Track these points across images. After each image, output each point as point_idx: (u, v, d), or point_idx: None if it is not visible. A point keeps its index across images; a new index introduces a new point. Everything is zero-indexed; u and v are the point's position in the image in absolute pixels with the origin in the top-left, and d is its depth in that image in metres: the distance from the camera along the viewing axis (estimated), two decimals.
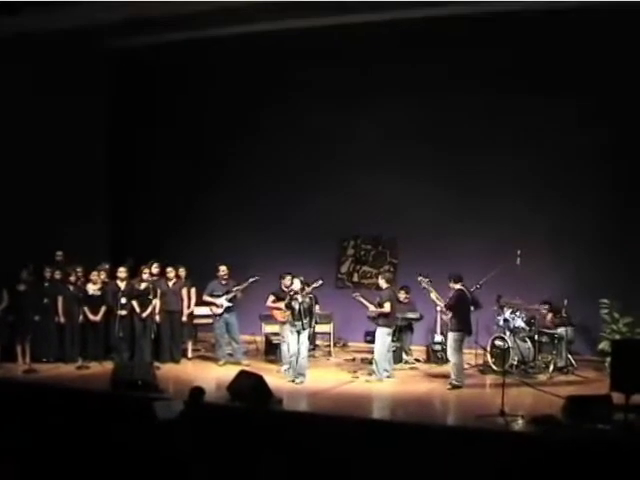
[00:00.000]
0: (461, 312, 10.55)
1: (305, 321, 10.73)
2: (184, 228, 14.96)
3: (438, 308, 11.82)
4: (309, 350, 11.69)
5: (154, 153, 15.38)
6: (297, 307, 10.76)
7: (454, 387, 10.41)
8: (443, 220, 13.28)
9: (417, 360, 12.44)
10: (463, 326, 10.54)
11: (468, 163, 13.28)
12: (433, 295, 10.87)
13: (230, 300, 12.03)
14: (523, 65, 12.56)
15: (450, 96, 13.19)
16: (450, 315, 10.62)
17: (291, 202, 14.37)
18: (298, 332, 10.80)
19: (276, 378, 10.69)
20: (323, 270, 13.31)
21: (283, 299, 11.19)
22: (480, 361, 11.67)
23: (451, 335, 10.60)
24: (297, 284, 10.86)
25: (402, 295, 12.39)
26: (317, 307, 11.77)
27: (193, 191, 15.13)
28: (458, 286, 10.64)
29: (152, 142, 15.37)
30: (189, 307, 12.47)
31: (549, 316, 11.72)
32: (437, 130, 13.44)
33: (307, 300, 10.79)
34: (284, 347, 11.39)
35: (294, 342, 10.81)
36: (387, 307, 10.90)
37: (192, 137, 15.13)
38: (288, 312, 10.93)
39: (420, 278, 10.92)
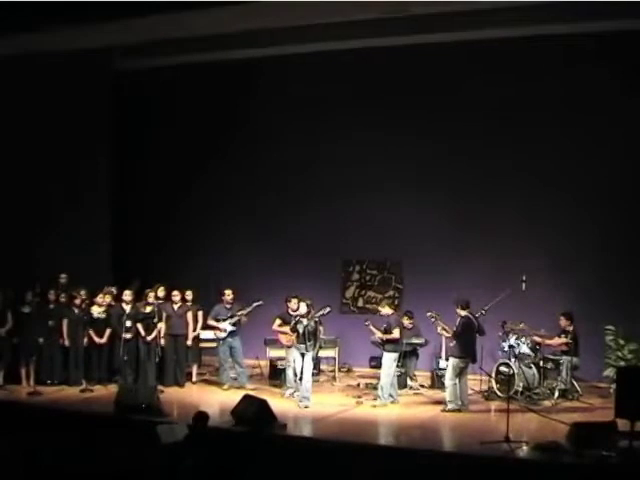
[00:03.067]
0: (466, 339, 10.57)
1: (309, 343, 10.75)
2: (191, 252, 14.96)
3: (445, 334, 11.87)
4: (314, 375, 11.67)
5: (159, 175, 15.44)
6: (302, 330, 10.78)
7: (449, 411, 10.41)
8: (448, 244, 13.29)
9: (422, 386, 12.35)
10: (466, 353, 10.54)
11: (473, 187, 13.33)
12: (440, 328, 10.96)
13: (234, 324, 12.05)
14: (527, 87, 12.69)
15: (451, 118, 13.32)
16: (454, 341, 10.64)
17: (296, 226, 14.38)
18: (302, 354, 10.81)
19: (280, 402, 10.67)
20: (328, 295, 13.43)
21: (289, 323, 11.23)
22: (485, 387, 11.65)
23: (452, 360, 10.62)
24: (303, 308, 10.91)
25: (406, 321, 12.39)
26: (321, 329, 11.76)
27: (199, 216, 15.14)
28: (464, 313, 10.67)
29: (155, 164, 15.43)
30: (195, 330, 12.48)
31: (563, 322, 11.28)
32: (442, 153, 13.50)
33: (312, 324, 10.82)
34: (289, 371, 11.40)
35: (299, 363, 10.82)
36: (396, 333, 10.91)
37: (193, 157, 15.10)
38: (293, 335, 10.95)
39: (429, 314, 11.04)
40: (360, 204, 13.94)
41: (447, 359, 12.08)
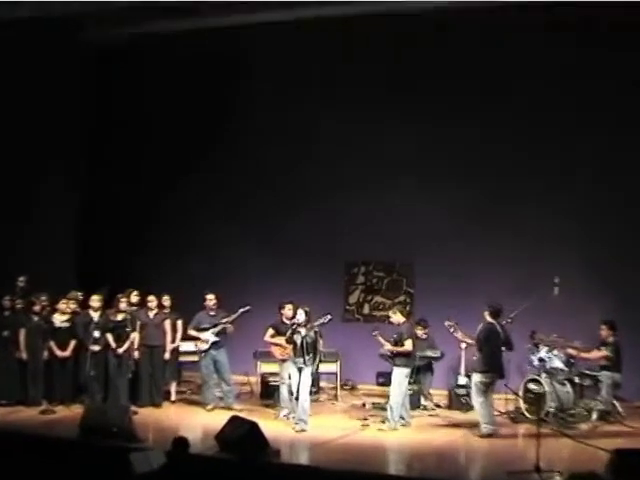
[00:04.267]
0: (490, 350, 10.49)
1: (308, 357, 10.71)
2: (168, 251, 15.06)
3: (463, 345, 11.78)
4: (312, 393, 11.64)
5: (135, 168, 15.50)
6: (299, 341, 10.74)
7: (484, 436, 10.32)
8: (467, 243, 13.34)
9: (437, 406, 12.37)
10: (490, 366, 10.47)
11: (494, 180, 13.40)
12: (460, 335, 11.00)
13: (217, 334, 12.01)
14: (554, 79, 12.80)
15: (473, 107, 13.40)
16: (477, 354, 10.56)
17: (292, 221, 14.47)
18: (299, 369, 10.77)
19: (273, 425, 10.63)
20: (328, 300, 13.51)
21: (283, 333, 11.18)
22: (511, 407, 11.61)
23: (476, 376, 10.54)
24: (301, 315, 10.84)
25: (419, 330, 12.38)
26: (321, 342, 11.72)
27: (178, 208, 15.23)
28: (489, 319, 10.59)
29: (131, 157, 15.49)
30: (173, 342, 12.48)
31: (604, 332, 11.17)
32: (457, 143, 13.57)
33: (311, 334, 10.77)
34: (283, 389, 11.36)
35: (295, 380, 10.80)
36: (408, 345, 10.87)
37: (175, 150, 15.22)
38: (289, 347, 10.93)
39: (448, 323, 11.06)
40: (365, 199, 14.02)
41: (467, 374, 12.12)
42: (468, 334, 10.88)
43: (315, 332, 10.83)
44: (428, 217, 13.56)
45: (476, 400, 10.51)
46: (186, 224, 15.12)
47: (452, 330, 11.06)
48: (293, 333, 10.84)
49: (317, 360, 11.08)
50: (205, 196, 15.10)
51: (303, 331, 10.75)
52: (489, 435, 10.34)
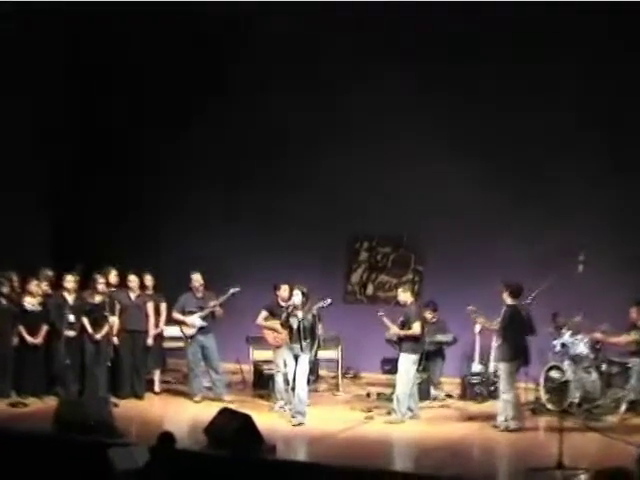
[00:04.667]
0: (514, 334, 10.45)
1: (305, 343, 10.69)
2: (151, 226, 15.09)
3: (477, 329, 11.79)
4: (310, 383, 11.65)
5: (116, 135, 15.46)
6: (296, 325, 10.72)
7: (509, 430, 10.33)
8: (483, 216, 13.37)
9: (449, 396, 12.42)
10: (517, 353, 10.44)
11: (513, 146, 13.35)
12: (482, 321, 11.03)
13: (205, 318, 12.03)
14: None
15: (491, 58, 13.37)
16: (500, 340, 10.52)
17: (287, 191, 14.47)
18: (296, 357, 10.76)
19: (268, 418, 10.66)
20: (328, 280, 13.60)
21: (278, 316, 11.16)
22: (531, 398, 11.62)
23: (503, 366, 10.52)
24: (298, 297, 10.80)
25: (429, 313, 12.40)
26: (320, 326, 11.72)
27: (162, 180, 15.23)
28: (510, 301, 10.56)
29: (111, 121, 15.45)
30: (157, 326, 12.49)
31: (634, 314, 11.05)
32: (477, 103, 13.53)
33: (309, 317, 10.75)
34: (278, 378, 11.38)
35: (292, 368, 10.80)
36: (416, 328, 10.86)
37: (159, 116, 15.16)
38: (284, 332, 10.91)
39: (470, 308, 11.07)
40: (367, 166, 14.02)
41: (482, 361, 12.18)
42: (490, 320, 10.78)
43: (313, 315, 10.82)
44: (440, 186, 13.54)
45: (505, 392, 10.44)
46: (171, 197, 15.14)
47: (474, 317, 11.05)
48: (289, 316, 10.80)
49: (315, 346, 11.08)
50: (192, 167, 15.10)
51: (300, 314, 10.72)
52: (516, 430, 10.31)
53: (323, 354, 12.67)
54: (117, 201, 15.34)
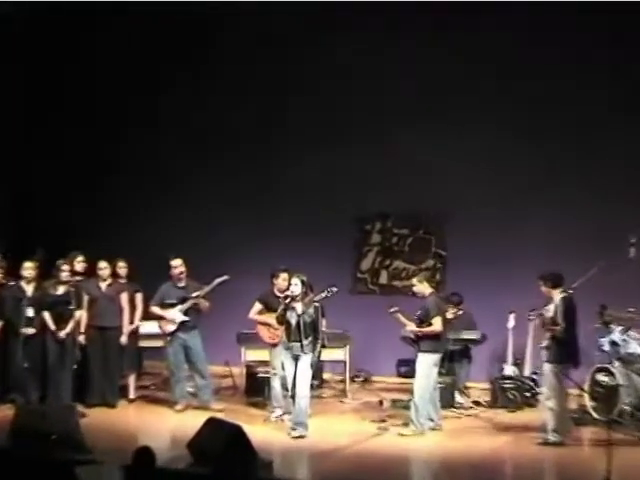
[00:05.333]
0: (568, 332, 10.35)
1: (306, 342, 10.64)
2: (124, 204, 15.16)
3: (510, 324, 11.80)
4: (313, 388, 11.65)
5: (84, 101, 15.61)
6: (294, 321, 10.67)
7: (550, 444, 10.32)
8: (516, 193, 13.48)
9: (477, 403, 12.47)
10: (568, 353, 10.40)
11: (557, 113, 13.41)
12: (539, 322, 10.81)
13: (187, 312, 12.02)
14: None
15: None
16: (548, 339, 10.47)
17: (285, 166, 14.58)
18: (296, 358, 10.73)
19: (263, 430, 10.71)
20: (334, 267, 13.66)
21: (275, 309, 11.13)
22: (574, 406, 11.60)
23: (549, 367, 10.48)
24: (297, 287, 10.76)
25: (452, 307, 12.44)
26: (324, 322, 11.72)
27: (138, 151, 15.29)
28: (559, 293, 10.49)
29: (78, 92, 15.65)
30: (132, 322, 12.54)
31: None
32: (504, 69, 13.62)
33: (310, 311, 10.70)
34: (275, 383, 11.40)
35: (290, 372, 10.79)
36: (437, 324, 10.85)
37: (133, 76, 15.37)
38: (281, 328, 10.90)
39: (533, 313, 10.99)
40: (379, 133, 14.10)
41: (516, 362, 12.28)
42: (549, 319, 10.56)
43: (315, 308, 10.78)
44: (466, 157, 13.61)
45: (550, 398, 10.40)
46: (149, 170, 15.27)
47: (532, 318, 10.99)
48: (286, 310, 10.75)
49: (319, 345, 11.07)
50: (174, 136, 15.25)
51: (299, 307, 10.67)
52: (556, 444, 10.28)
53: (328, 354, 12.71)
54: (85, 178, 15.44)
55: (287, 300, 10.79)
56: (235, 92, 14.93)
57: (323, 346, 11.68)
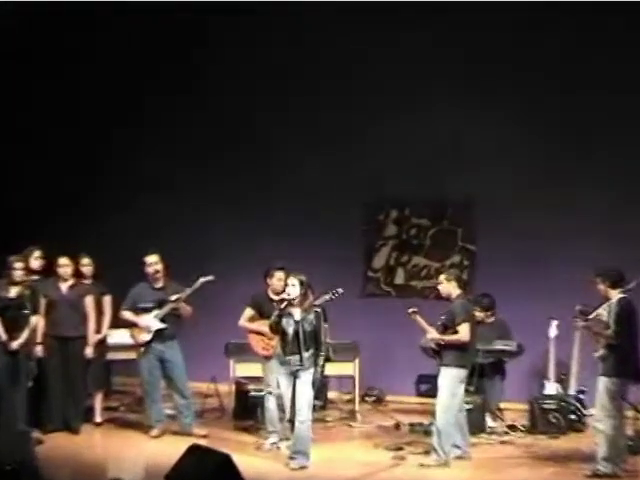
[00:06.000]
0: (627, 340, 10.31)
1: (307, 355, 10.58)
2: (92, 190, 15.33)
3: (552, 333, 11.72)
4: (316, 409, 11.69)
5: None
6: (292, 329, 10.59)
7: (600, 476, 10.25)
8: (558, 178, 13.51)
9: (512, 428, 12.43)
10: (627, 366, 10.31)
11: (602, 88, 13.42)
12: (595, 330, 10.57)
13: (165, 318, 11.99)
14: None
15: None
16: (604, 348, 10.39)
17: (283, 145, 14.67)
18: (294, 375, 10.67)
19: (256, 460, 10.73)
20: (339, 264, 13.73)
21: (269, 315, 11.04)
22: (629, 430, 11.44)
23: (604, 382, 10.41)
24: (295, 288, 10.67)
25: (482, 312, 12.42)
26: (326, 327, 11.65)
27: (116, 135, 15.49)
28: (617, 293, 10.41)
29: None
30: (98, 331, 12.53)
31: None
32: (535, 47, 13.69)
33: (310, 317, 10.63)
34: (270, 404, 11.38)
35: (287, 391, 10.74)
36: (464, 332, 10.77)
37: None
38: (276, 338, 10.84)
39: (580, 318, 10.69)
40: (398, 107, 14.17)
41: (560, 379, 12.32)
42: (600, 324, 10.43)
43: (317, 314, 10.71)
44: (499, 135, 13.68)
45: (602, 420, 10.32)
46: (120, 151, 15.43)
47: (580, 324, 10.68)
48: (281, 316, 10.64)
49: (321, 358, 10.99)
50: (152, 116, 15.38)
51: (297, 313, 10.60)
52: (608, 477, 10.21)
53: (333, 369, 12.77)
54: (41, 159, 15.53)
55: (283, 304, 10.68)
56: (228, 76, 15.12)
57: (327, 359, 11.72)
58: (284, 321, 10.65)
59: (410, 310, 11.14)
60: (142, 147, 15.37)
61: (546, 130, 13.53)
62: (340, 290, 10.92)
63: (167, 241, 13.14)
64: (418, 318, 11.07)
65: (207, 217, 14.74)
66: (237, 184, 14.86)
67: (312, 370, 10.71)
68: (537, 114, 13.60)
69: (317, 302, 10.83)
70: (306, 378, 10.64)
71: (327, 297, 10.86)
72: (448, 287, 11.03)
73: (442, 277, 11.23)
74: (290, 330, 10.62)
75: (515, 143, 13.67)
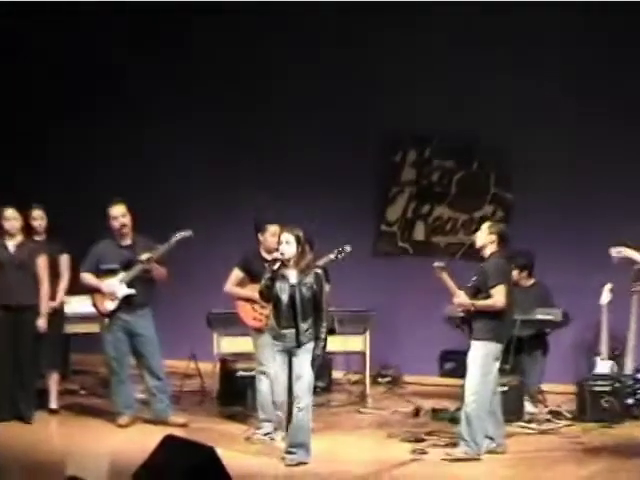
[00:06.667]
0: None
1: (305, 326, 10.47)
2: (44, 124, 15.51)
3: (606, 299, 11.60)
4: (319, 393, 11.83)
5: None
6: (286, 296, 10.47)
7: None
8: (625, 112, 13.55)
9: (556, 415, 12.48)
10: None
11: None
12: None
13: (134, 282, 11.95)
14: None
15: None
16: None
17: (281, 73, 14.79)
18: (289, 352, 10.57)
19: (245, 453, 10.75)
20: (346, 217, 13.92)
21: (261, 279, 10.95)
22: None
23: None
24: (290, 245, 10.53)
25: (520, 274, 12.48)
26: (326, 287, 11.51)
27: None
28: None
29: None
30: (53, 298, 12.51)
31: None
32: None
33: (309, 281, 10.50)
34: (262, 385, 11.36)
35: (282, 373, 10.64)
36: (500, 296, 10.67)
37: None
38: (268, 307, 10.72)
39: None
40: (415, 26, 14.25)
41: (613, 355, 12.39)
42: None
43: (317, 276, 10.57)
44: (541, 62, 13.71)
45: None
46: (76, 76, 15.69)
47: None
48: (273, 280, 10.52)
49: (323, 330, 10.80)
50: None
51: (292, 276, 10.49)
52: None
53: (339, 344, 12.72)
54: None
55: (275, 265, 10.55)
56: None
57: (331, 331, 11.54)
58: (277, 286, 10.51)
59: (436, 264, 10.97)
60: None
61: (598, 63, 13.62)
62: (347, 248, 10.88)
63: (137, 189, 13.08)
64: (445, 276, 10.91)
65: (185, 161, 14.86)
66: (224, 120, 15.02)
67: (311, 345, 10.60)
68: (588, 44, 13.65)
69: (319, 262, 10.72)
70: (304, 355, 10.55)
71: (332, 257, 10.81)
72: (485, 240, 10.86)
73: (485, 226, 11.05)
74: (284, 296, 10.49)
75: (561, 74, 13.84)
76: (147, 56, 15.70)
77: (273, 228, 11.33)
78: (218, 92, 15.15)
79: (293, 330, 10.46)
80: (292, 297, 10.45)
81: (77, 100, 15.79)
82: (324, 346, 11.08)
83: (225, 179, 14.55)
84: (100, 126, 15.44)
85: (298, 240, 10.49)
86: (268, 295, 10.57)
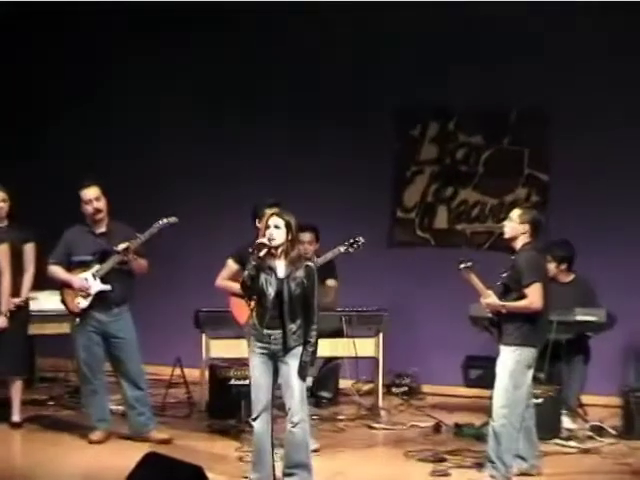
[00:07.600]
0: None
1: (293, 326, 10.36)
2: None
3: None
4: (322, 403, 12.18)
5: None
6: (272, 290, 10.31)
7: None
8: None
9: (599, 431, 12.47)
10: None
11: None
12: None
13: (108, 276, 11.96)
14: None
15: None
16: None
17: (279, 39, 14.95)
18: (274, 357, 10.46)
19: (237, 473, 10.76)
20: (357, 201, 14.08)
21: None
22: None
23: None
24: (279, 231, 10.26)
25: (556, 266, 12.54)
26: (332, 283, 11.59)
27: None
28: None
29: None
30: (17, 294, 12.59)
31: None
32: None
33: (299, 275, 10.38)
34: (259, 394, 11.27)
35: (265, 381, 10.50)
36: (535, 296, 10.65)
37: None
38: (252, 303, 10.55)
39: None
40: None
41: None
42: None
43: (309, 270, 10.44)
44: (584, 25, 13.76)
45: None
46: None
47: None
48: (258, 269, 10.38)
49: (314, 332, 10.58)
50: None
51: (281, 268, 10.42)
52: None
53: (347, 348, 12.81)
54: None
55: (262, 252, 10.38)
56: None
57: (338, 334, 11.98)
58: (262, 277, 10.37)
59: (462, 265, 10.91)
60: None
61: None
62: (361, 239, 10.91)
63: (114, 169, 13.13)
64: (473, 277, 10.90)
65: (170, 136, 15.13)
66: (224, 89, 15.29)
67: (300, 349, 10.47)
68: None
69: (327, 255, 10.76)
70: (294, 362, 10.44)
71: (341, 249, 10.83)
72: (517, 230, 10.81)
73: (516, 213, 10.94)
74: (270, 290, 10.37)
75: (607, 37, 13.85)
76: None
77: (270, 211, 11.24)
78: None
79: (279, 331, 10.38)
80: (279, 292, 10.33)
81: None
82: (314, 352, 11.02)
83: (217, 155, 14.77)
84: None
85: (289, 226, 10.36)
86: (252, 286, 10.39)
